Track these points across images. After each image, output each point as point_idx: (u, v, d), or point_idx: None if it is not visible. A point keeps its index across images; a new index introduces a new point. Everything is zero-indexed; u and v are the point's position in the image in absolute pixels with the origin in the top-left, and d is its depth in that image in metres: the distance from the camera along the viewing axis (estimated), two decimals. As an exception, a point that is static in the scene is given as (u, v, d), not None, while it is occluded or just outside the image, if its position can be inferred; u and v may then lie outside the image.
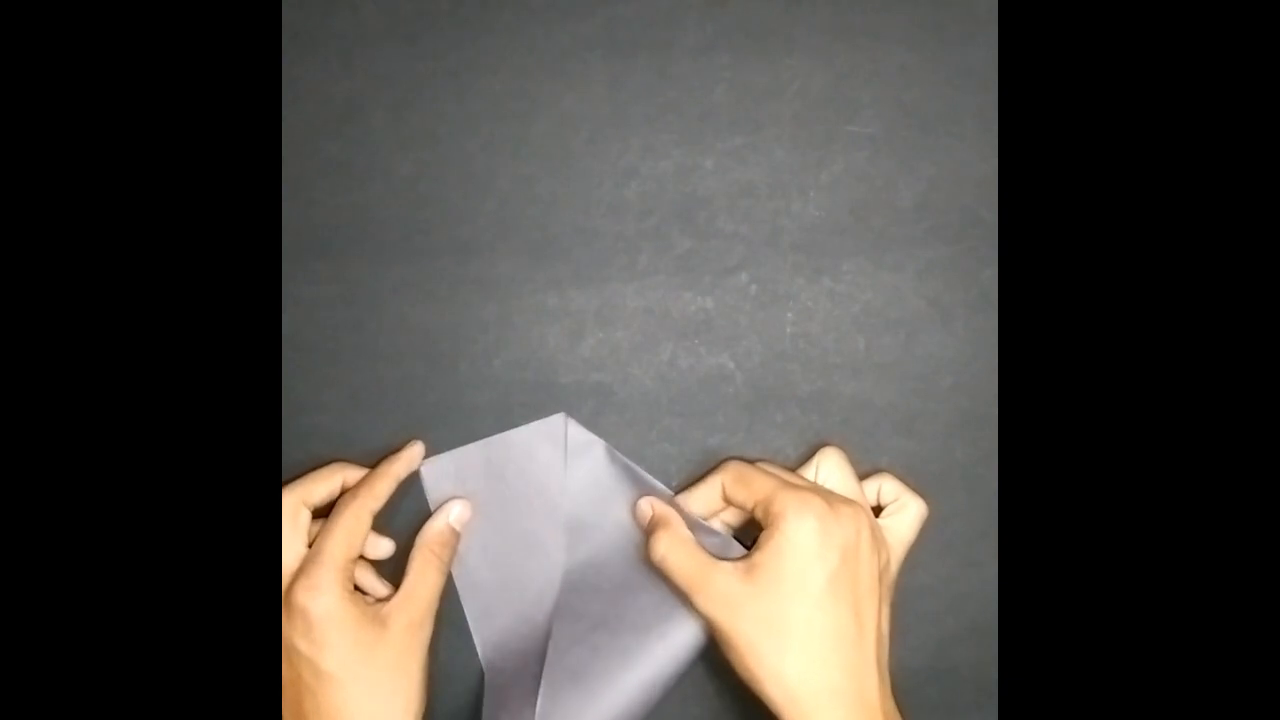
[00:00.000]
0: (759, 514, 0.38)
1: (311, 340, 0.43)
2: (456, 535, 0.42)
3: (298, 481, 0.40)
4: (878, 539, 0.38)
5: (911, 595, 0.42)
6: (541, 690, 0.39)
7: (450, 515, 0.42)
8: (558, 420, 0.42)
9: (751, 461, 0.41)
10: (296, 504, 0.40)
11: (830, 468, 0.41)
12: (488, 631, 0.43)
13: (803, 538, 0.36)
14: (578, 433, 0.42)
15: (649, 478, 0.41)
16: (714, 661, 0.41)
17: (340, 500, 0.40)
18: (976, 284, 0.43)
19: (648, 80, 0.43)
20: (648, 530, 0.40)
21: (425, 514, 0.42)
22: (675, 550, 0.39)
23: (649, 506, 0.41)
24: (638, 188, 0.43)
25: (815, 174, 0.43)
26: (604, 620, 0.41)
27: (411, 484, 0.43)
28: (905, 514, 0.41)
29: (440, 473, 0.43)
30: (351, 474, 0.41)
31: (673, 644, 0.40)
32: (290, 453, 0.43)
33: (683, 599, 0.39)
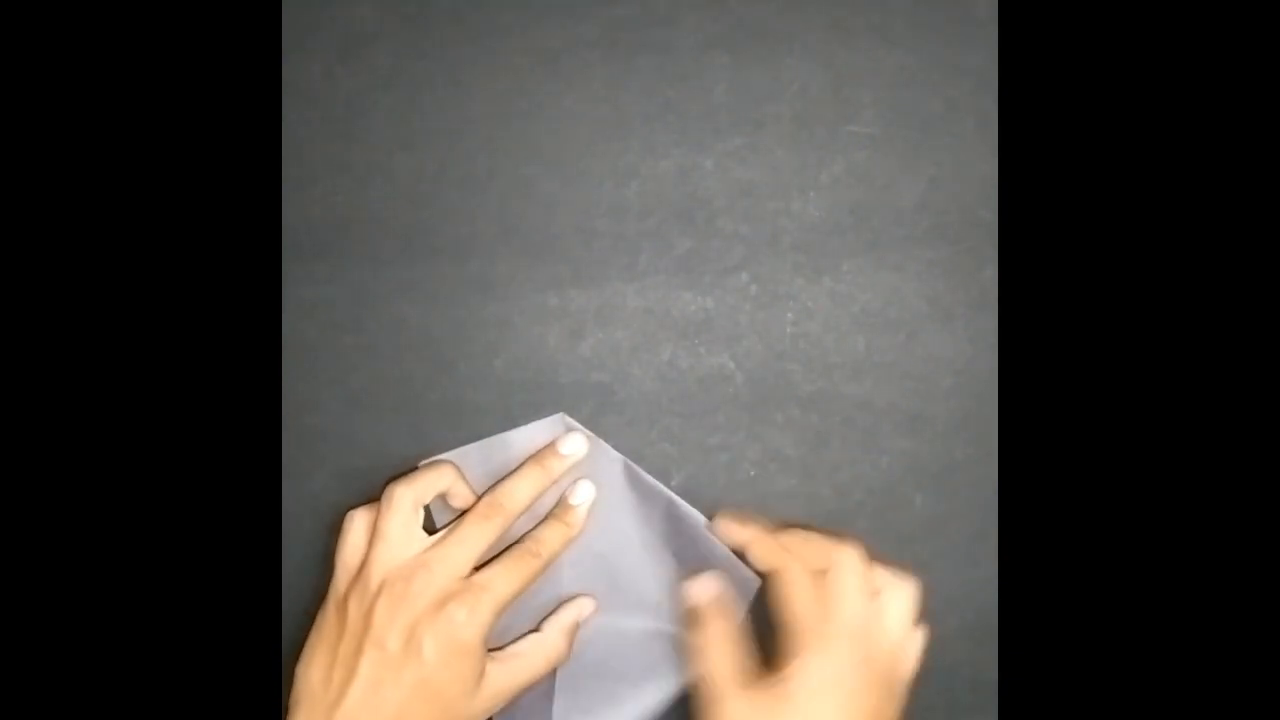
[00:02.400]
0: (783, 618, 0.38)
1: (311, 340, 0.43)
2: (576, 629, 0.41)
3: (412, 477, 0.40)
4: (901, 677, 0.39)
5: (911, 595, 0.42)
6: (558, 686, 0.40)
7: (584, 610, 0.41)
8: (556, 420, 0.42)
9: (775, 524, 0.40)
10: (416, 499, 0.39)
11: (846, 583, 0.38)
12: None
13: (828, 680, 0.36)
14: (580, 432, 0.42)
15: (648, 478, 0.41)
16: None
17: (515, 546, 0.40)
18: (976, 284, 0.43)
19: (648, 80, 0.43)
20: (695, 615, 0.40)
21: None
22: (715, 649, 0.38)
23: (703, 591, 0.40)
24: (638, 188, 0.43)
25: (815, 174, 0.43)
26: (614, 610, 0.41)
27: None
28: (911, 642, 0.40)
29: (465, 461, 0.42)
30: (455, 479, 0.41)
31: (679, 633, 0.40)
32: (290, 453, 0.43)
33: (699, 695, 0.39)
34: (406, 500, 0.39)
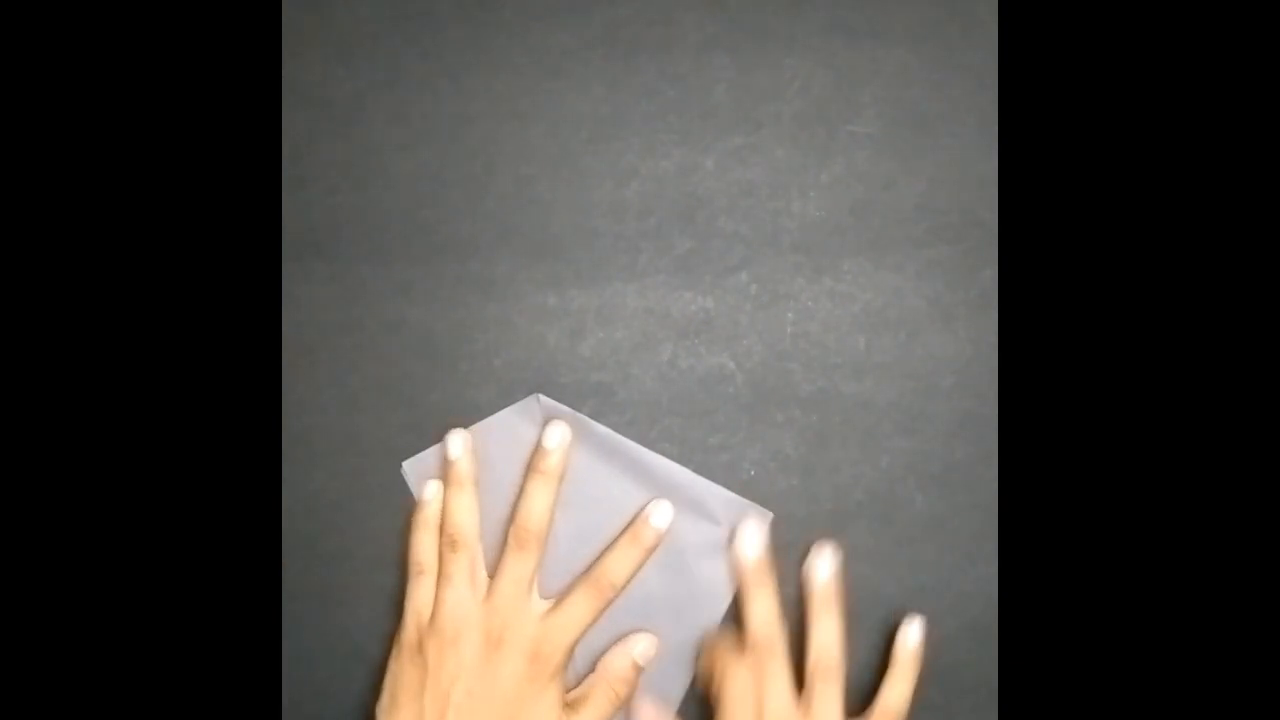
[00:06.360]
0: None
1: (311, 340, 0.43)
2: (639, 672, 0.41)
3: (457, 520, 0.42)
4: None
5: (911, 595, 0.42)
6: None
7: (635, 650, 0.41)
8: (532, 401, 0.42)
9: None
10: (473, 539, 0.42)
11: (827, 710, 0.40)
12: None
13: None
14: (557, 409, 0.42)
15: (628, 443, 0.42)
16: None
17: (585, 576, 0.41)
18: (976, 284, 0.43)
19: (648, 80, 0.43)
20: (746, 582, 0.41)
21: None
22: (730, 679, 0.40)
23: (744, 553, 0.41)
24: (638, 188, 0.43)
25: (815, 174, 0.43)
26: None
27: (400, 484, 0.43)
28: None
29: (424, 469, 0.43)
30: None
31: (662, 596, 0.42)
32: (290, 453, 0.43)
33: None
34: (468, 543, 0.41)
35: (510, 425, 0.42)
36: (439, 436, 0.43)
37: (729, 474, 0.43)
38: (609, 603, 0.40)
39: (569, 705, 0.40)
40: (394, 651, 0.41)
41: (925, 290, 0.43)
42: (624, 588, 0.41)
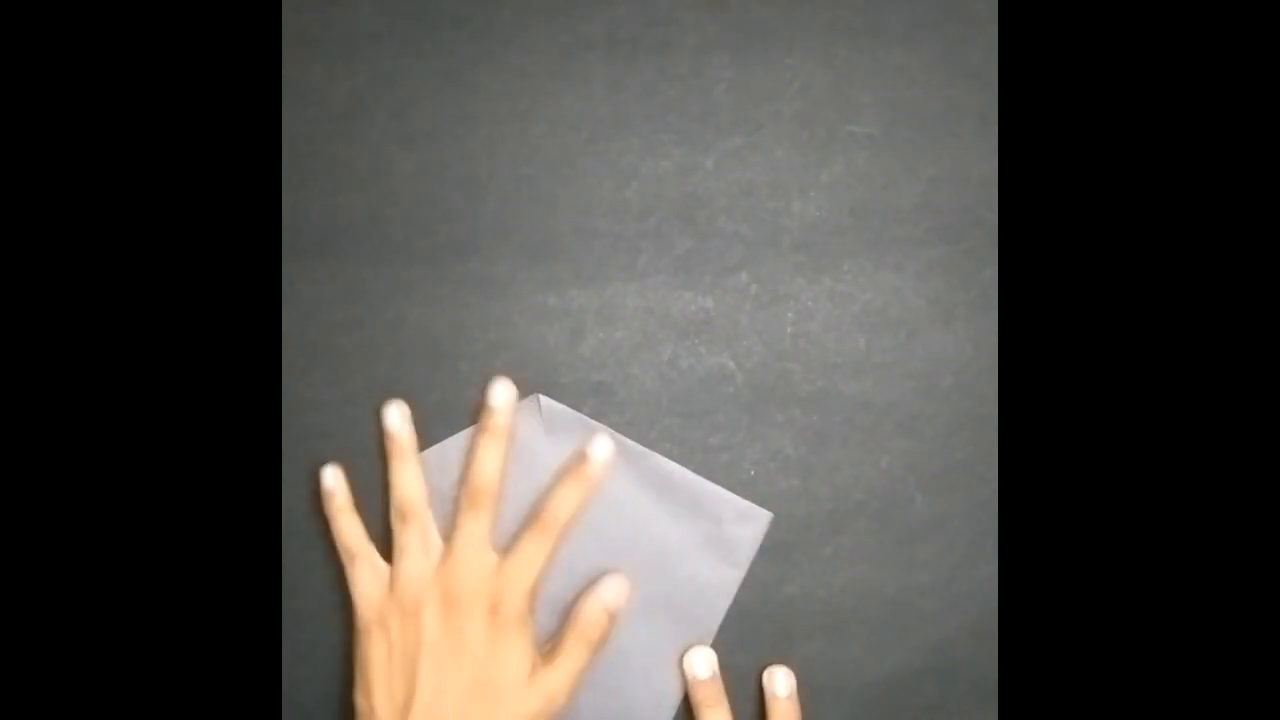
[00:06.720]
0: None
1: (311, 340, 0.43)
2: (611, 618, 0.41)
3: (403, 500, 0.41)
4: None
5: (911, 595, 0.42)
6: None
7: (606, 596, 0.41)
8: (532, 401, 0.42)
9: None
10: (421, 512, 0.41)
11: None
12: None
13: None
14: (558, 409, 0.42)
15: (628, 443, 0.42)
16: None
17: (532, 519, 0.41)
18: (976, 284, 0.43)
19: (648, 80, 0.43)
20: (698, 700, 0.41)
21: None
22: None
23: (694, 674, 0.41)
24: (638, 188, 0.43)
25: (815, 174, 0.43)
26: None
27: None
28: None
29: (425, 468, 0.42)
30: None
31: (662, 596, 0.42)
32: (290, 453, 0.43)
33: None
34: (418, 512, 0.41)
35: (511, 424, 0.42)
36: (439, 436, 0.43)
37: (729, 474, 0.43)
38: (558, 541, 0.40)
39: (543, 658, 0.40)
40: (355, 637, 0.40)
41: (925, 290, 0.43)
42: (570, 524, 0.41)
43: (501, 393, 0.42)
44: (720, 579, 0.42)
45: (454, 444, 0.43)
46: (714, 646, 0.42)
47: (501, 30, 0.43)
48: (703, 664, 0.41)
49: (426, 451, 0.43)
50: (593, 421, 0.42)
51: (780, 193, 0.43)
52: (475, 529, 0.40)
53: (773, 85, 0.43)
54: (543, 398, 0.42)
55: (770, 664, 0.42)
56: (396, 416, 0.42)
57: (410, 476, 0.41)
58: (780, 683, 0.41)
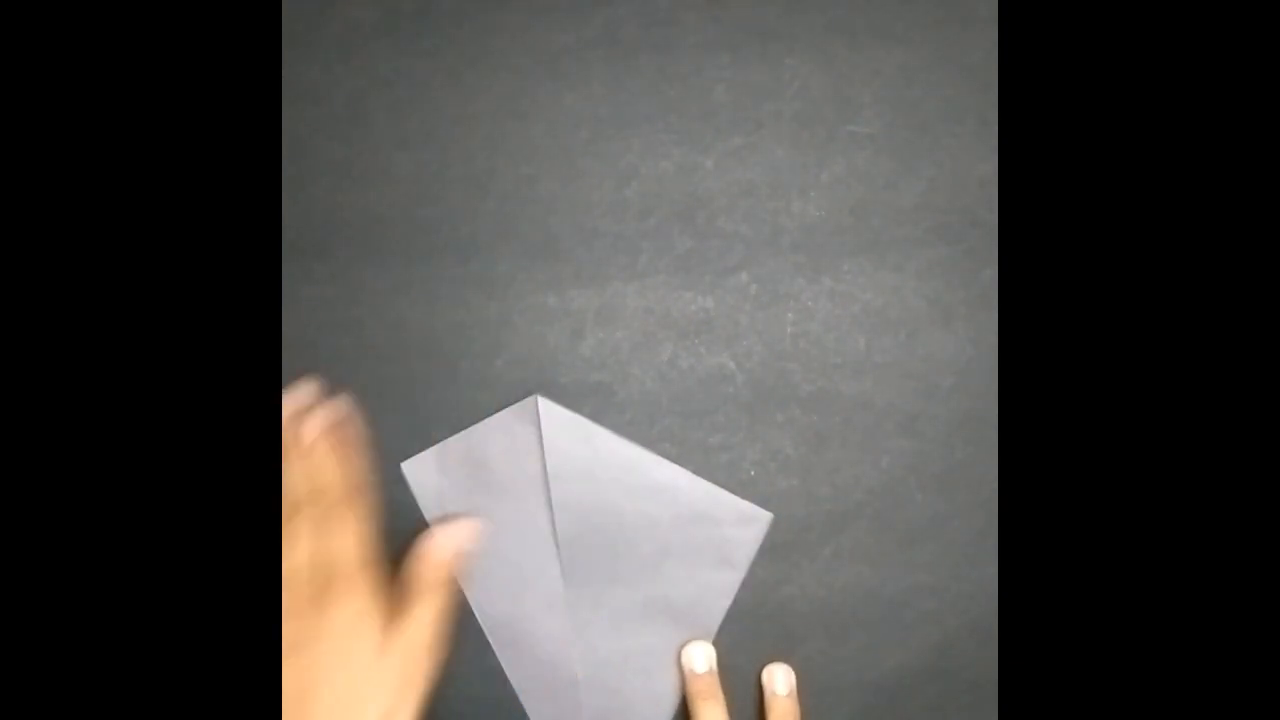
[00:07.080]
0: None
1: (311, 340, 0.43)
2: (455, 556, 0.41)
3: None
4: None
5: (911, 595, 0.42)
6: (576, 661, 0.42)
7: (440, 538, 0.41)
8: (531, 402, 0.42)
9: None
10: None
11: None
12: (490, 610, 0.43)
13: None
14: (555, 411, 0.42)
15: (628, 444, 0.42)
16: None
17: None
18: (976, 284, 0.43)
19: (648, 80, 0.43)
20: (693, 692, 0.41)
21: (414, 510, 0.42)
22: None
23: (692, 668, 0.42)
24: (638, 188, 0.43)
25: (815, 174, 0.43)
26: (614, 581, 0.43)
27: (400, 484, 0.43)
28: None
29: (423, 469, 0.43)
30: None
31: (661, 598, 0.42)
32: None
33: None
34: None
35: (509, 426, 0.42)
36: (439, 436, 0.43)
37: (729, 474, 0.43)
38: (367, 506, 0.40)
39: (393, 621, 0.39)
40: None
41: (925, 290, 0.43)
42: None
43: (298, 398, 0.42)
44: (720, 581, 0.42)
45: (474, 434, 0.42)
46: (714, 646, 0.42)
47: (501, 30, 0.43)
48: (700, 658, 0.41)
49: (447, 441, 0.43)
50: (590, 423, 0.42)
51: (780, 193, 0.43)
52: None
53: (772, 85, 0.43)
54: (541, 399, 0.42)
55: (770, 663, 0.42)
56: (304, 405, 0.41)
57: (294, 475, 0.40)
58: (780, 681, 0.41)
